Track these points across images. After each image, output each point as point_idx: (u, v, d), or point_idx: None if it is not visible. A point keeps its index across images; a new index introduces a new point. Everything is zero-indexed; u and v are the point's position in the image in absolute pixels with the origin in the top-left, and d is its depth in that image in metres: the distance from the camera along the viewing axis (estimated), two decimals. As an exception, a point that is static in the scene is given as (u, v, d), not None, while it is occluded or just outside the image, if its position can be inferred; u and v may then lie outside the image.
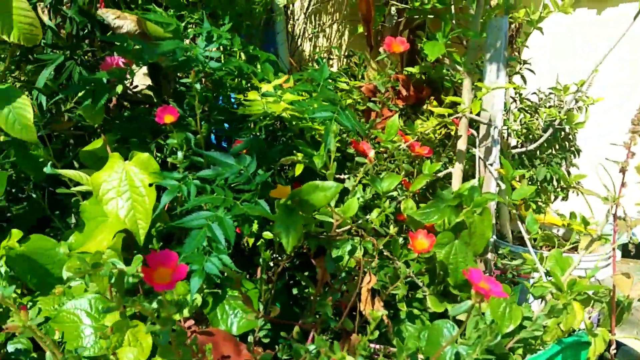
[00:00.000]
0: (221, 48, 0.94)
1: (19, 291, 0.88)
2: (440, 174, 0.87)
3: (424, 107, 1.05)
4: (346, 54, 1.44)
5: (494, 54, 0.83)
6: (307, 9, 1.39)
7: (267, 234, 0.82)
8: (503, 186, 0.76)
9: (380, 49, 1.34)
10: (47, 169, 0.88)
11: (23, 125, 0.82)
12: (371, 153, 0.66)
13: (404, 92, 1.03)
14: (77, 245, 0.90)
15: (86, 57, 1.03)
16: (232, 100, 1.00)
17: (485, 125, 0.88)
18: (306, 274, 0.97)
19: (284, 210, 0.57)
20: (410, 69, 1.09)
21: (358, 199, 0.63)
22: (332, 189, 0.57)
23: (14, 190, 1.24)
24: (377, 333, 0.56)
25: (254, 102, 0.76)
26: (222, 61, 0.86)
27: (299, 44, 1.46)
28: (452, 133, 0.95)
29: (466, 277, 0.70)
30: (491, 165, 0.85)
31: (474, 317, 0.61)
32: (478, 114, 0.83)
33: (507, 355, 0.59)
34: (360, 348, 0.57)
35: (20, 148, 0.90)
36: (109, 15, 0.96)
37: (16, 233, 0.88)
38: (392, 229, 0.63)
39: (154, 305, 0.58)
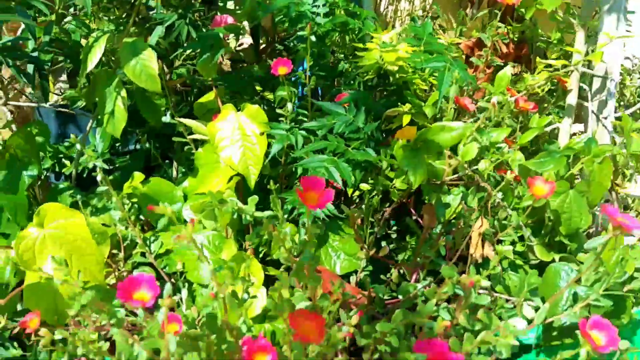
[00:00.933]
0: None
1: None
2: (548, 129, 0.87)
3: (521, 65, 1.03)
4: (430, 15, 1.42)
5: (614, 4, 0.80)
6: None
7: (364, 186, 0.86)
8: (618, 140, 0.75)
9: (467, 11, 1.32)
10: (166, 118, 0.96)
11: (148, 76, 0.90)
12: (494, 99, 0.67)
13: (504, 49, 1.02)
14: (191, 189, 0.98)
15: (193, 17, 1.10)
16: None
17: (598, 79, 0.86)
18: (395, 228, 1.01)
19: (410, 150, 0.60)
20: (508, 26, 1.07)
21: (476, 142, 0.65)
22: (458, 129, 0.59)
23: (117, 145, 1.35)
24: (498, 268, 0.59)
25: (370, 53, 0.79)
26: (329, 17, 0.89)
27: (381, 7, 1.47)
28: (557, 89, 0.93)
29: (579, 226, 0.71)
30: (605, 118, 0.84)
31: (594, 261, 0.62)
32: (592, 68, 0.81)
33: (624, 299, 0.60)
34: (478, 282, 0.60)
35: (143, 97, 0.98)
36: (218, -26, 1.01)
37: (138, 176, 0.97)
38: (509, 175, 0.64)
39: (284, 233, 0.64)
